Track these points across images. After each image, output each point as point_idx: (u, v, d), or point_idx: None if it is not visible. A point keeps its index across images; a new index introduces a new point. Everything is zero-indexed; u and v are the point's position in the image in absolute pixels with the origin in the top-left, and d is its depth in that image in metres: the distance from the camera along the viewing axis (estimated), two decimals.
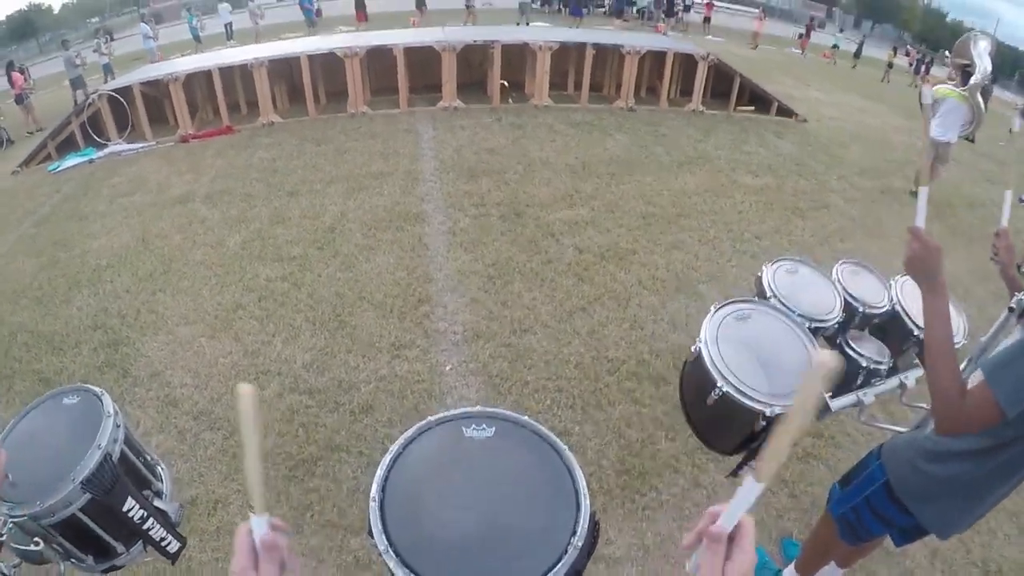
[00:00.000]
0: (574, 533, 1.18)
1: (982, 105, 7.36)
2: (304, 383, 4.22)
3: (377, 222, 6.40)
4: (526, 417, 1.41)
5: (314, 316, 4.91)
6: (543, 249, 5.90)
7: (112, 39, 18.15)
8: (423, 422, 1.42)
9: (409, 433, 1.40)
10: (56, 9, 46.06)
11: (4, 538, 1.41)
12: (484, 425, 1.42)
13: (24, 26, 42.25)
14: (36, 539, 1.52)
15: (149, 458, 2.00)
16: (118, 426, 1.74)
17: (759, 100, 11.80)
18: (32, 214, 7.64)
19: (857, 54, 25.94)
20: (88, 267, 5.95)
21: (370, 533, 1.17)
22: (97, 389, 1.82)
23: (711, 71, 11.30)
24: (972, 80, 6.93)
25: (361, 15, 22.30)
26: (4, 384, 4.37)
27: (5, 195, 8.65)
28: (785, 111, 11.56)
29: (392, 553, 1.14)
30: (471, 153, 8.38)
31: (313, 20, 22.72)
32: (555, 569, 1.12)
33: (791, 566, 2.74)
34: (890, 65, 23.50)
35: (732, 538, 0.80)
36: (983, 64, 7.11)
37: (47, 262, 6.17)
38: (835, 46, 26.71)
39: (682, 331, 4.81)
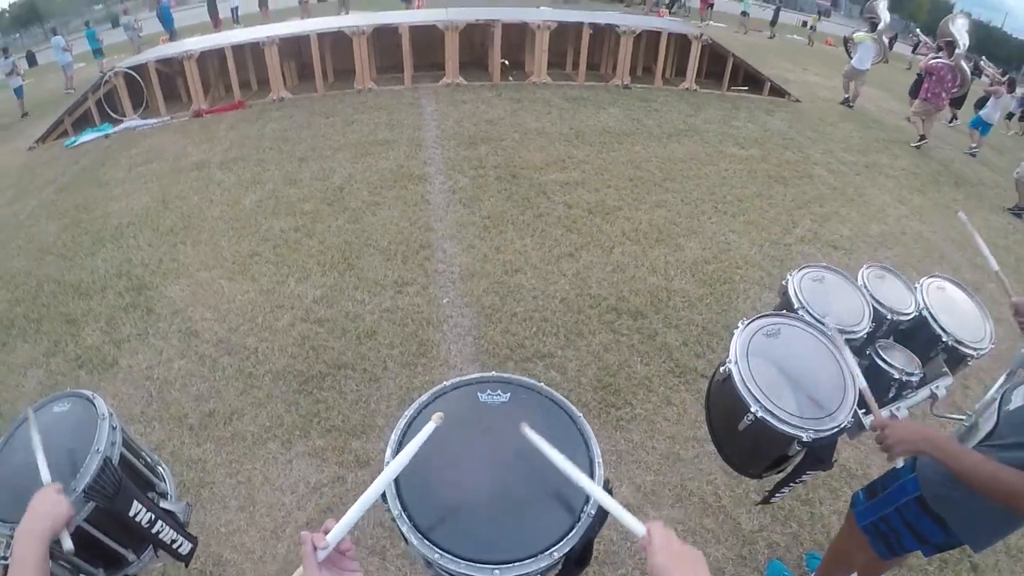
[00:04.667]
0: (587, 501, 1.21)
1: (887, 45, 12.72)
2: (314, 315, 4.66)
3: (383, 182, 6.83)
4: (542, 383, 1.45)
5: (324, 260, 5.35)
6: (535, 205, 6.34)
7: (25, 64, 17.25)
8: (438, 387, 1.44)
9: (424, 397, 1.42)
10: None
11: (8, 561, 1.26)
12: (499, 391, 1.43)
13: (29, 12, 42.13)
14: None
15: (149, 458, 1.92)
16: (114, 428, 1.64)
17: (753, 81, 12.14)
18: (52, 183, 8.00)
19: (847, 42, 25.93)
20: (111, 226, 6.31)
21: (384, 498, 1.19)
22: (88, 392, 1.72)
23: (705, 51, 11.69)
24: (879, 28, 11.96)
25: (217, 21, 20.83)
26: (32, 326, 4.71)
27: (24, 168, 9.03)
28: (778, 91, 11.89)
29: (405, 518, 1.18)
30: (471, 124, 8.80)
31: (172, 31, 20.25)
32: (568, 536, 1.16)
33: None
34: (812, 28, 26.33)
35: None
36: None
37: (70, 223, 6.53)
38: (811, 27, 26.80)
39: (660, 275, 5.24)
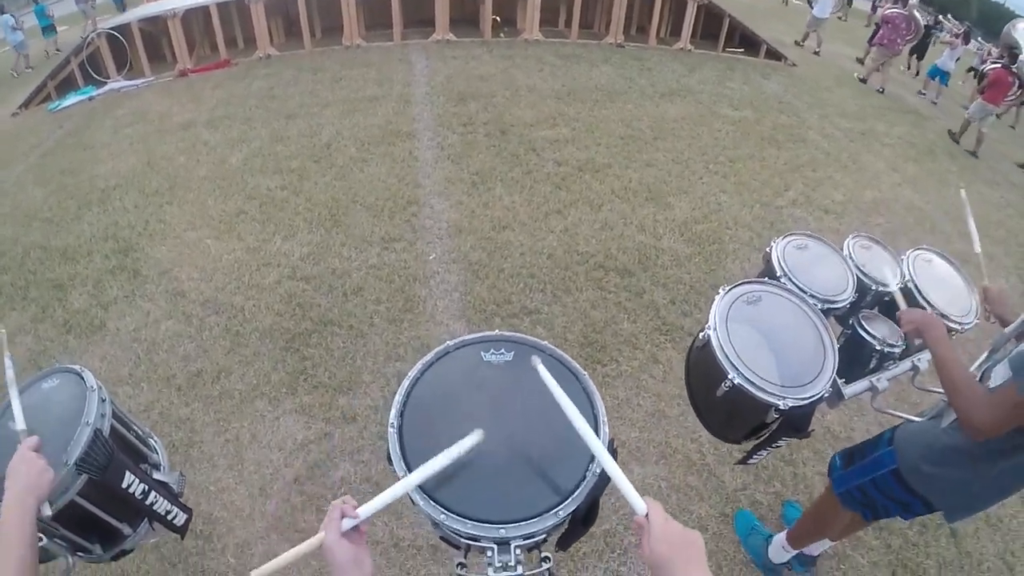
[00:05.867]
0: (592, 459, 1.20)
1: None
2: (301, 272, 4.64)
3: (371, 139, 6.75)
4: (546, 342, 1.43)
5: (311, 217, 5.31)
6: (524, 162, 6.28)
7: None
8: (441, 346, 1.43)
9: (428, 357, 1.40)
10: None
11: None
12: (503, 349, 1.42)
13: None
14: (38, 535, 1.31)
15: (140, 431, 1.90)
16: (103, 400, 1.63)
17: (749, 43, 11.92)
18: (37, 148, 7.87)
19: (849, 2, 25.62)
20: (96, 189, 6.23)
21: (389, 460, 1.20)
22: (76, 367, 1.70)
23: (701, 11, 11.44)
24: None
25: None
26: (20, 293, 4.67)
27: (7, 135, 8.84)
28: (775, 55, 11.71)
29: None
30: (461, 80, 8.66)
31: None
32: (573, 495, 1.16)
33: (783, 534, 2.69)
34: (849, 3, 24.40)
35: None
36: None
37: (56, 188, 6.44)
38: None
39: (649, 233, 5.22)
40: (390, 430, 1.25)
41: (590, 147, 6.73)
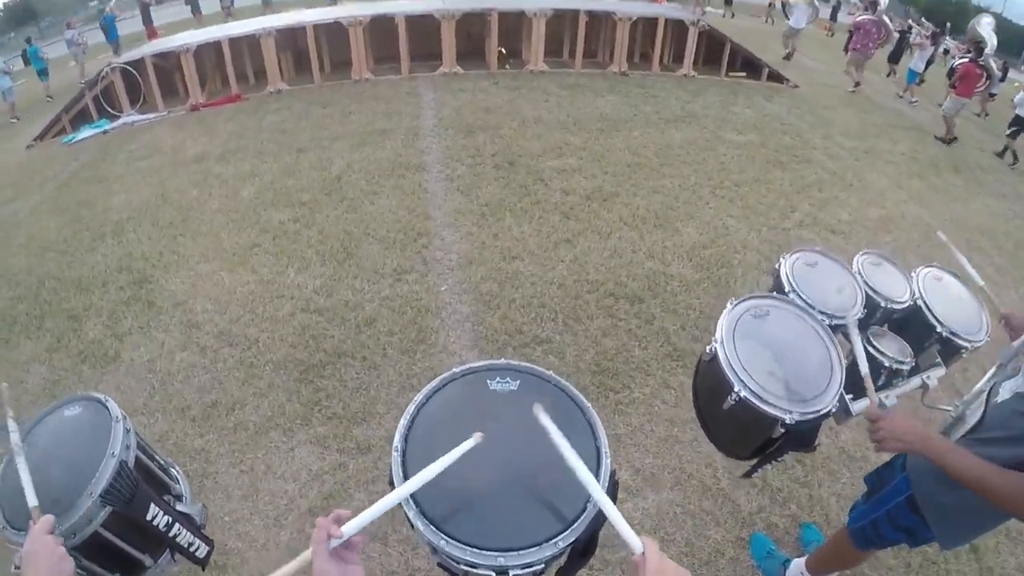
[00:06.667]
0: None
1: (816, 5, 15.25)
2: (314, 304, 4.69)
3: (381, 172, 6.84)
4: (551, 372, 1.45)
5: (323, 250, 5.37)
6: (533, 192, 6.34)
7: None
8: (448, 373, 1.44)
9: (433, 384, 1.42)
10: None
11: (20, 572, 1.21)
12: (508, 378, 1.43)
13: (24, 13, 41.72)
14: None
15: (163, 460, 1.89)
16: (128, 431, 1.61)
17: (751, 67, 12.08)
18: (52, 180, 8.03)
19: (833, 17, 25.59)
20: (110, 221, 6.33)
21: (391, 484, 1.20)
22: (100, 395, 1.68)
23: (703, 37, 11.64)
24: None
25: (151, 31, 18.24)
26: (35, 323, 4.75)
27: (23, 167, 9.05)
28: (777, 77, 11.84)
29: (411, 503, 1.18)
30: (469, 112, 8.79)
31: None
32: (573, 526, 1.16)
33: (802, 560, 2.65)
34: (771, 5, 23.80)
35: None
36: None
37: (70, 219, 6.55)
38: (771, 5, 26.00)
39: (658, 260, 5.25)
40: (394, 454, 1.26)
41: (597, 176, 6.80)
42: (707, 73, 11.83)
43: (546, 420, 1.17)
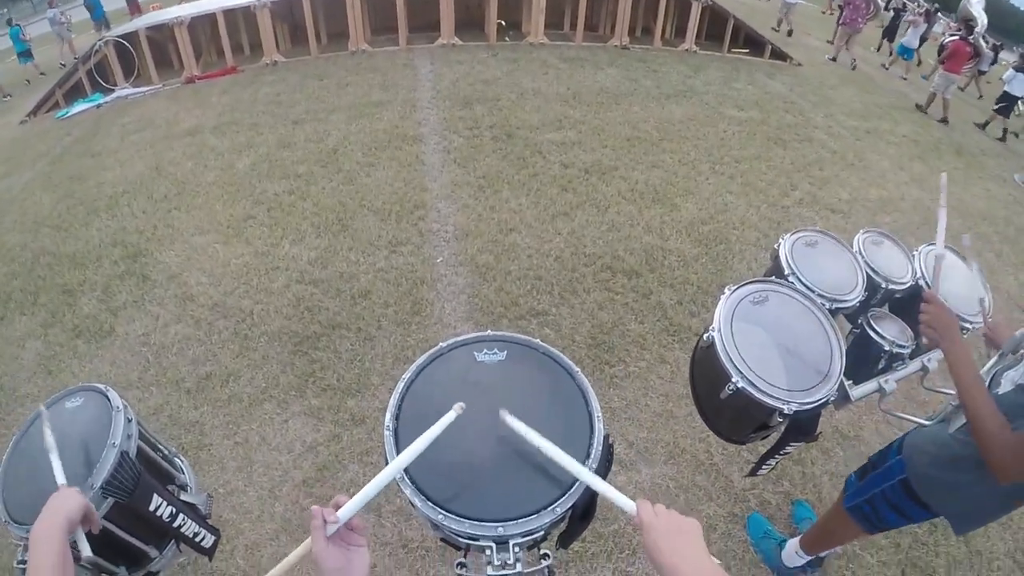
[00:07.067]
0: (588, 456, 1.21)
1: None
2: (309, 275, 4.66)
3: (377, 143, 6.77)
4: (538, 340, 1.44)
5: (319, 222, 5.32)
6: (531, 164, 6.28)
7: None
8: (435, 348, 1.43)
9: (421, 360, 1.41)
10: None
11: (26, 566, 1.20)
12: (496, 349, 1.42)
13: None
14: None
15: (166, 450, 1.87)
16: (129, 420, 1.59)
17: (754, 44, 11.92)
18: (45, 155, 7.95)
19: None
20: (104, 195, 6.27)
21: (387, 462, 1.18)
22: (101, 386, 1.66)
23: (705, 12, 11.46)
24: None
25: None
26: (30, 299, 4.71)
27: (17, 142, 8.96)
28: (779, 55, 11.69)
29: (408, 481, 1.18)
30: (467, 84, 8.67)
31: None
32: (570, 491, 1.16)
33: (797, 540, 2.66)
34: None
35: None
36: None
37: (64, 194, 6.50)
38: None
39: (656, 234, 5.21)
40: (386, 433, 1.25)
41: (596, 149, 6.73)
42: (709, 49, 11.67)
43: (515, 423, 1.15)
